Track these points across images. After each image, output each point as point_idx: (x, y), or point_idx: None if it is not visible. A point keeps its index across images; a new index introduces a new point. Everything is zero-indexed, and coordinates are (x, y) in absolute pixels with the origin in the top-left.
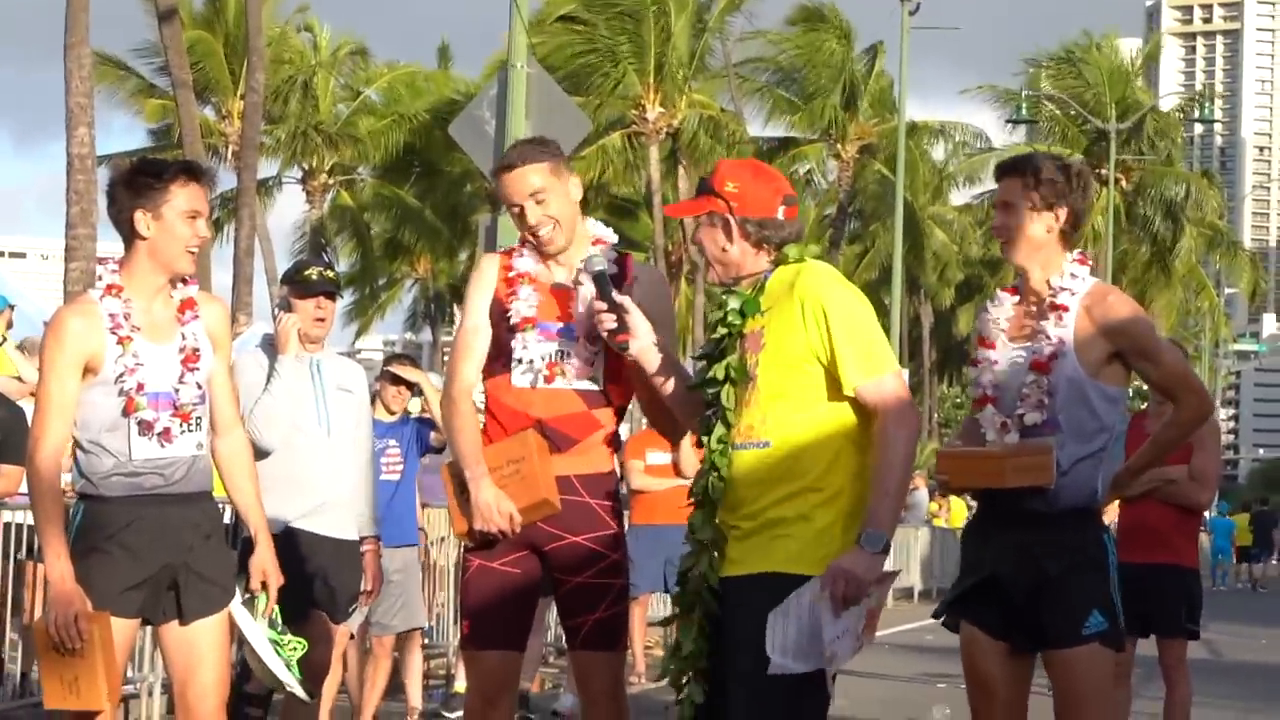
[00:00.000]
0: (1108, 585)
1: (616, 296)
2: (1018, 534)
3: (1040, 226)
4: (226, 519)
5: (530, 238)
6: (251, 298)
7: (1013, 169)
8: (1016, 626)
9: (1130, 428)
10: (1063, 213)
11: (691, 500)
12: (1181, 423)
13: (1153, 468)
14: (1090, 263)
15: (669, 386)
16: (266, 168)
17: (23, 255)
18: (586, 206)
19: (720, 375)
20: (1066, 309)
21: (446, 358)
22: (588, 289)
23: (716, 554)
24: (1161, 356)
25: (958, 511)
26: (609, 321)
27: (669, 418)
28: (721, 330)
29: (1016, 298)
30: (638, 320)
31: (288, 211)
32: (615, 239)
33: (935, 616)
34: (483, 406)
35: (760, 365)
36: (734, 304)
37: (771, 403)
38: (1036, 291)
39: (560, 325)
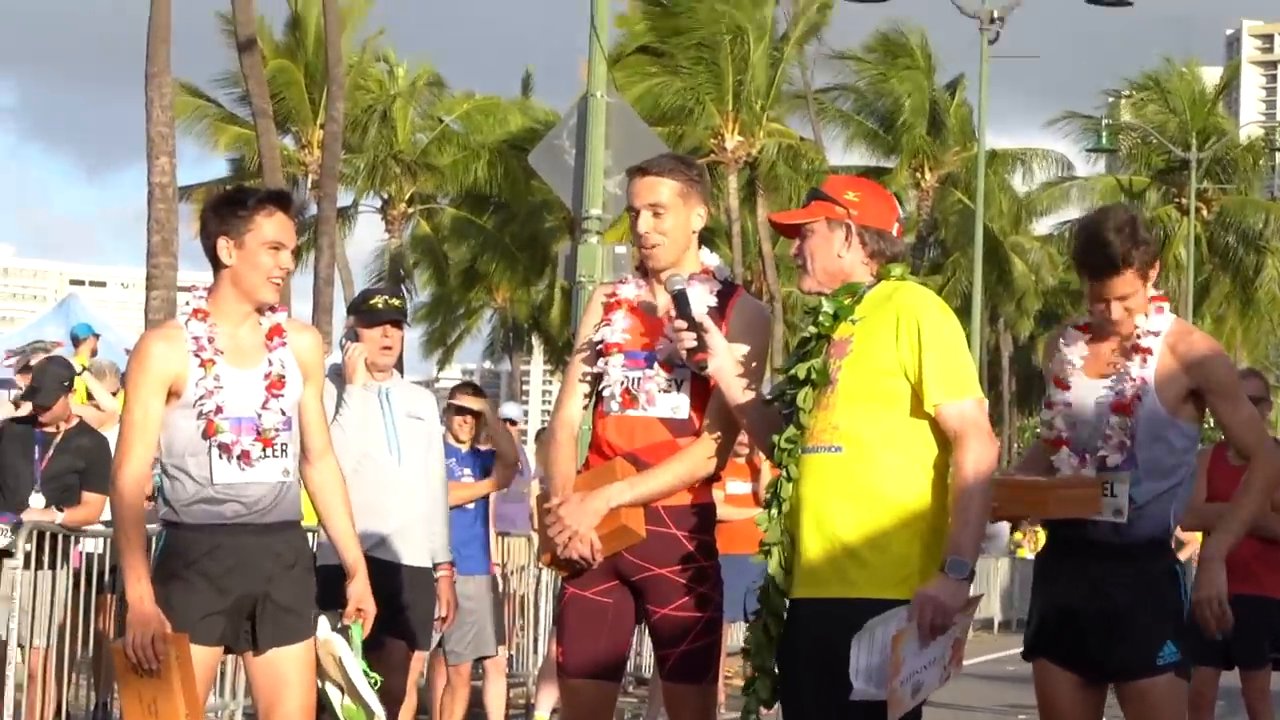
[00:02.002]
0: (1180, 616)
1: (695, 315)
2: (1089, 565)
3: (1146, 289)
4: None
5: (635, 247)
6: (331, 327)
7: (1116, 255)
8: (1088, 658)
9: (1213, 457)
10: (1157, 266)
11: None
12: (1260, 487)
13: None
14: (1168, 301)
15: (747, 406)
16: (344, 197)
17: (103, 284)
18: None
19: (801, 375)
20: (1150, 351)
21: (525, 387)
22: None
23: (784, 555)
24: (1241, 401)
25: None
26: (688, 340)
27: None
28: (811, 330)
29: (1089, 335)
30: (716, 339)
31: (366, 240)
32: (727, 272)
33: (1025, 658)
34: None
35: (843, 370)
36: (829, 307)
37: (849, 408)
38: (1119, 331)
39: (645, 352)
